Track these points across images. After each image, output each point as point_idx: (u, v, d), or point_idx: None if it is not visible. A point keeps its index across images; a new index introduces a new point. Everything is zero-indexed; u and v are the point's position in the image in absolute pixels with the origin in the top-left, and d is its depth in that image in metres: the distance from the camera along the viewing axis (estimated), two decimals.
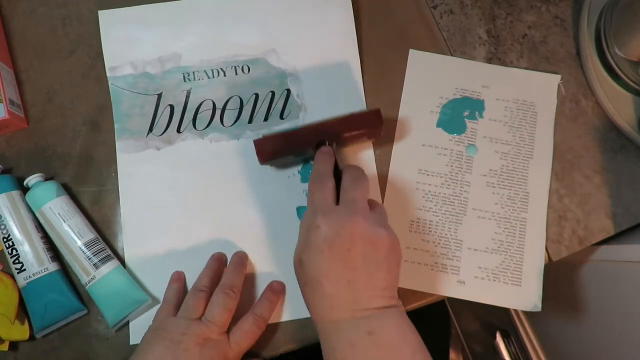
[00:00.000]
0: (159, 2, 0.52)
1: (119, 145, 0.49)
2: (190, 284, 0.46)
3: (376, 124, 0.46)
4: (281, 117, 0.50)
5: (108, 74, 0.51)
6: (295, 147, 0.45)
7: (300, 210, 0.48)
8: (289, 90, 0.51)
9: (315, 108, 0.51)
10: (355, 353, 0.36)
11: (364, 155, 0.50)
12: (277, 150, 0.45)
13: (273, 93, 0.51)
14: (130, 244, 0.47)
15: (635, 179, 0.50)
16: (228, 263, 0.47)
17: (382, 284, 0.37)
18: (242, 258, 0.47)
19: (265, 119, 0.50)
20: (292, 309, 0.46)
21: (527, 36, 0.53)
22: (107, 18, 0.51)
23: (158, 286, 0.46)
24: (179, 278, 0.46)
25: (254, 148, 0.44)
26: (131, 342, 0.45)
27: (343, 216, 0.37)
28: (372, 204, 0.40)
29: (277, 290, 0.46)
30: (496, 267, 0.47)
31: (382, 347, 0.36)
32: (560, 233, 0.49)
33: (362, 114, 0.46)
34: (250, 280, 0.47)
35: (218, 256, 0.47)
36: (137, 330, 0.45)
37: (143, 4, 0.52)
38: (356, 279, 0.37)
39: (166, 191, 0.49)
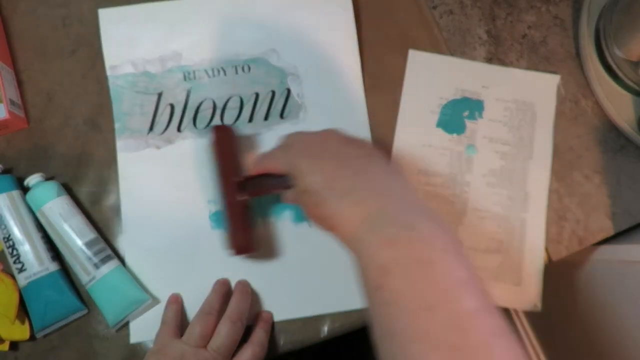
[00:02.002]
0: (160, 1, 0.52)
1: (119, 144, 0.49)
2: (187, 293, 0.46)
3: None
4: (281, 116, 0.50)
5: (108, 73, 0.51)
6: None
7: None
8: (289, 90, 0.51)
9: (316, 107, 0.51)
10: (397, 252, 0.29)
11: None
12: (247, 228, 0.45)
13: (273, 92, 0.51)
14: (130, 243, 0.47)
15: (635, 179, 0.50)
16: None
17: (391, 168, 0.36)
18: (245, 286, 0.46)
19: (266, 118, 0.50)
20: (291, 309, 0.46)
21: (527, 36, 0.53)
22: (107, 17, 0.51)
23: (158, 286, 0.46)
24: (176, 300, 0.46)
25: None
26: (131, 341, 0.45)
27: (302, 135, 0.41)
28: None
29: (268, 319, 0.46)
30: (496, 267, 0.47)
31: (423, 241, 0.30)
32: (560, 233, 0.49)
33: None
34: (252, 275, 0.47)
35: (224, 281, 0.46)
36: (137, 330, 0.45)
37: (143, 2, 0.52)
38: (363, 168, 0.34)
39: (166, 190, 0.49)
